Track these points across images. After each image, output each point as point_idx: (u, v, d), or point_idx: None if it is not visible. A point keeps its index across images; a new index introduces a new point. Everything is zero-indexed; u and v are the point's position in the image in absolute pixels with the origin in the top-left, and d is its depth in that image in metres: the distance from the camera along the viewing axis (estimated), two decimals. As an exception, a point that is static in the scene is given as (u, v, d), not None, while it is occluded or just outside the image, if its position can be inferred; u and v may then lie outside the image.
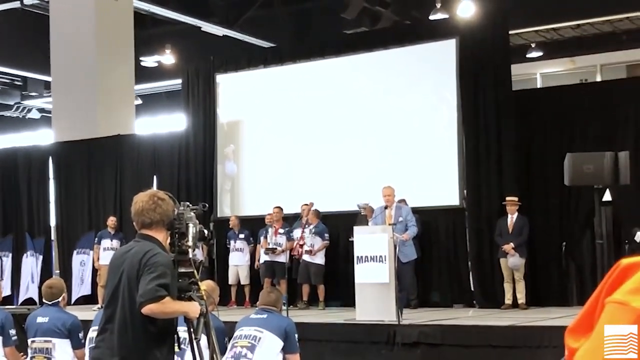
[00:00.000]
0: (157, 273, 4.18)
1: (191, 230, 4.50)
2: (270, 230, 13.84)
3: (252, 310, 7.42)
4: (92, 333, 6.42)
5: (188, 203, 4.65)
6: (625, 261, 1.10)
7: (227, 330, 6.65)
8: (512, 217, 12.17)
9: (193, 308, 4.38)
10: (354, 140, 14.12)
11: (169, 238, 4.50)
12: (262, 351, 6.33)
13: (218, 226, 15.01)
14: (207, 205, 5.25)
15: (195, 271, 4.50)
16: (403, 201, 12.00)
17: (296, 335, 6.56)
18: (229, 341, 6.55)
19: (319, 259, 13.42)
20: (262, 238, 13.95)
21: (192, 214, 4.56)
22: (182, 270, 4.47)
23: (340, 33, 17.92)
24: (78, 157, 17.02)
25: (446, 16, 16.20)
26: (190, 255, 4.52)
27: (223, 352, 6.12)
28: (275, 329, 6.42)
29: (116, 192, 16.45)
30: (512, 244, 11.98)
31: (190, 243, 4.50)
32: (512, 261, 12.00)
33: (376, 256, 10.48)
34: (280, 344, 6.40)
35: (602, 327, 1.06)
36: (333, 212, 13.83)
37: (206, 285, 6.25)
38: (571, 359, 1.14)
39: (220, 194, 15.66)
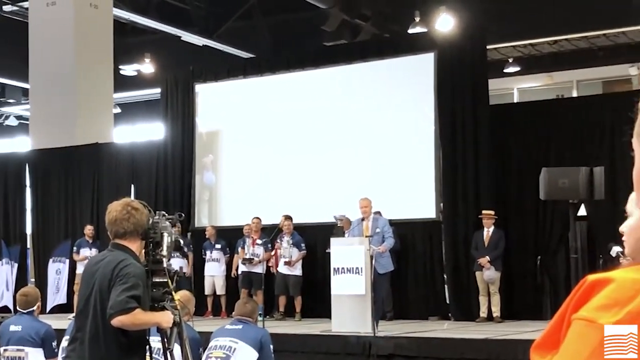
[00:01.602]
0: (128, 284, 4.18)
1: (166, 239, 4.50)
2: (247, 240, 13.83)
3: (228, 320, 7.41)
4: (65, 342, 6.40)
5: (164, 212, 4.65)
6: (591, 277, 1.08)
7: (203, 341, 6.64)
8: (488, 231, 12.24)
9: (165, 318, 4.37)
10: (332, 152, 14.15)
11: (144, 247, 4.50)
12: (237, 362, 6.33)
13: (196, 236, 15.00)
14: (182, 214, 5.26)
15: (169, 281, 4.49)
16: (378, 213, 12.04)
17: (271, 347, 6.56)
18: (204, 351, 6.55)
19: (297, 270, 13.44)
20: (239, 248, 13.94)
21: (168, 223, 4.57)
22: (157, 279, 4.47)
23: (320, 45, 17.98)
24: (55, 165, 16.94)
25: (425, 30, 16.31)
26: (165, 265, 4.51)
27: (197, 362, 6.11)
28: (251, 339, 6.43)
29: (93, 200, 16.38)
30: (487, 258, 12.04)
31: (164, 252, 4.50)
32: (488, 274, 12.07)
33: (353, 268, 10.51)
34: (255, 354, 6.40)
35: (568, 344, 1.05)
36: (310, 223, 13.85)
37: (181, 295, 6.25)
38: None
39: (199, 204, 15.64)
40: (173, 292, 4.50)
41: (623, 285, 1.04)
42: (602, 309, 1.03)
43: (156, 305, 4.40)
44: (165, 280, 4.48)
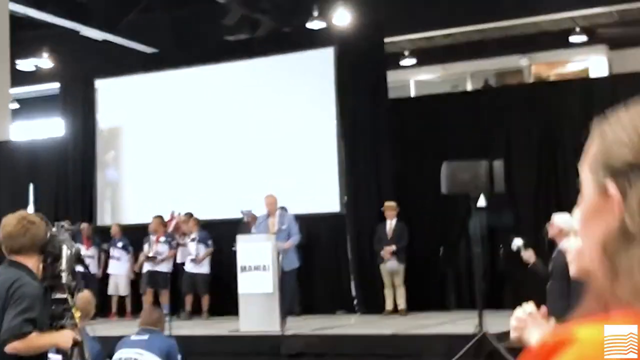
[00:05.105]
0: (22, 306, 4.05)
1: (65, 252, 4.35)
2: (152, 238, 13.61)
3: (134, 323, 7.28)
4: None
5: (63, 223, 4.52)
6: (550, 340, 1.05)
7: (105, 353, 6.46)
8: (390, 223, 12.35)
9: (64, 338, 4.24)
10: (236, 147, 14.08)
11: (42, 262, 4.35)
12: (144, 374, 6.22)
13: (98, 235, 14.70)
14: (83, 223, 5.13)
15: (69, 297, 4.37)
16: (284, 209, 12.05)
17: (179, 357, 6.47)
18: (109, 363, 6.41)
19: (205, 268, 13.31)
20: (145, 245, 13.70)
21: (67, 235, 4.44)
22: (57, 296, 4.33)
23: (221, 39, 17.82)
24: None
25: (323, 24, 16.29)
26: (65, 280, 4.37)
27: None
28: (157, 350, 6.29)
29: (-10, 201, 15.89)
30: (389, 248, 12.10)
31: (64, 267, 4.36)
32: (390, 265, 12.15)
33: (260, 265, 10.48)
34: (163, 366, 6.30)
35: None
36: (216, 219, 13.74)
37: (81, 296, 6.10)
38: None
39: (101, 201, 15.36)
40: (73, 310, 4.37)
41: (585, 351, 1.01)
42: None
43: (55, 323, 4.26)
44: (65, 296, 4.35)
